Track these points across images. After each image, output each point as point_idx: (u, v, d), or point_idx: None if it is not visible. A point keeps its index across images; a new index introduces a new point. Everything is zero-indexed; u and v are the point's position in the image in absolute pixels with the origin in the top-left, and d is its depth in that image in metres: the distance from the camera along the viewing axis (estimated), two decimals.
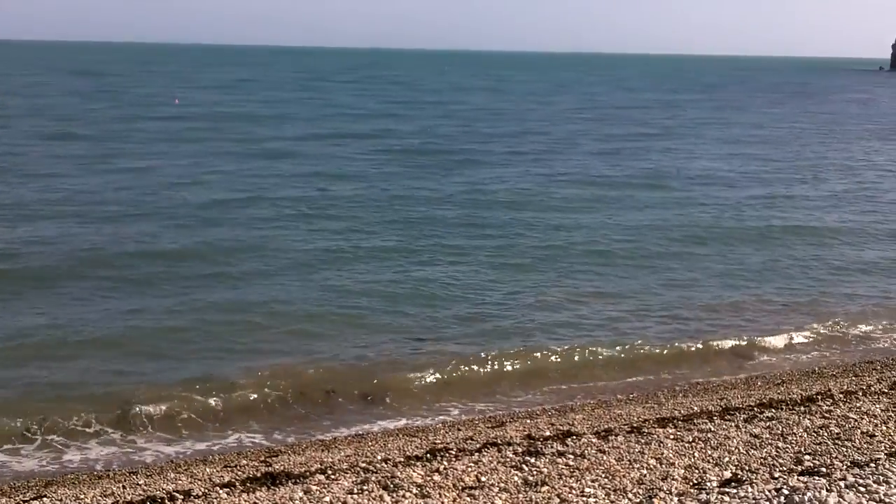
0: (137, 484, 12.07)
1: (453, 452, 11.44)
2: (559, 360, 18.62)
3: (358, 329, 19.99)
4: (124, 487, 11.88)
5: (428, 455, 11.40)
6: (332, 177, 40.37)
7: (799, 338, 20.32)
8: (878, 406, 12.57)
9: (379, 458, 11.75)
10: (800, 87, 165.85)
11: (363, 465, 11.09)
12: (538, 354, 18.78)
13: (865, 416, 11.99)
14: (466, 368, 18.00)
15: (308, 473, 10.89)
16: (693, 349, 19.43)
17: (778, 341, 20.06)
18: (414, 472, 10.37)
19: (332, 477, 10.50)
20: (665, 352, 19.26)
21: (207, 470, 12.72)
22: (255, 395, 16.47)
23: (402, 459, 11.34)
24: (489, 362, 18.29)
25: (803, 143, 61.14)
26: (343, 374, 17.63)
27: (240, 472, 12.06)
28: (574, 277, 24.26)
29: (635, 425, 12.55)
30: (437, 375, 17.61)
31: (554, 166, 45.55)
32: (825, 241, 29.45)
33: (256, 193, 35.36)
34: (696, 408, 14.06)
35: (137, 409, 15.59)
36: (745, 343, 19.84)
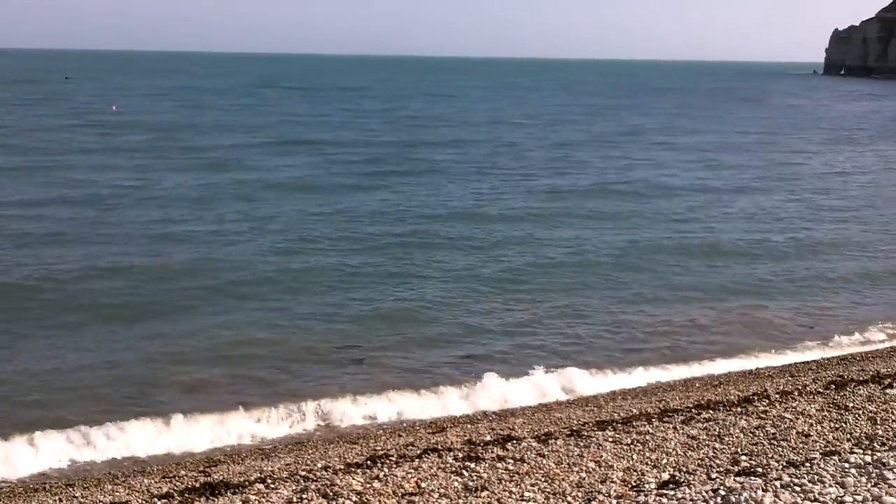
0: (74, 496, 11.90)
1: (394, 459, 11.41)
2: (500, 364, 18.66)
3: (297, 338, 19.90)
4: (60, 500, 11.71)
5: (368, 462, 11.35)
6: (274, 188, 39.98)
7: (740, 340, 20.53)
8: (813, 406, 12.73)
9: (319, 465, 11.68)
10: (738, 91, 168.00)
11: (303, 473, 11.02)
12: (481, 358, 18.85)
13: (801, 416, 12.13)
14: (408, 376, 17.98)
15: (247, 483, 10.80)
16: (637, 354, 19.57)
17: (718, 343, 20.28)
18: (354, 479, 10.32)
19: (272, 486, 10.43)
20: (612, 355, 19.40)
21: (146, 481, 12.57)
22: (195, 406, 16.30)
23: (342, 467, 11.28)
24: (431, 369, 18.30)
25: (747, 150, 61.94)
26: (284, 383, 17.54)
27: (178, 483, 11.93)
28: (516, 286, 24.35)
29: (575, 429, 12.60)
30: (379, 382, 17.57)
31: (496, 176, 45.64)
32: (761, 252, 29.82)
33: (196, 206, 34.93)
34: (635, 410, 14.15)
35: (74, 420, 15.35)
36: (686, 345, 20.03)
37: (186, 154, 50.98)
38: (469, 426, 14.60)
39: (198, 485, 11.08)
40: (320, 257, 26.76)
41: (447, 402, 16.84)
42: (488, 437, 12.64)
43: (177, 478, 12.51)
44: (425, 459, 11.20)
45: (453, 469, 10.53)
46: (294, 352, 19.13)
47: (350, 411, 16.37)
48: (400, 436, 14.43)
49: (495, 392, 17.33)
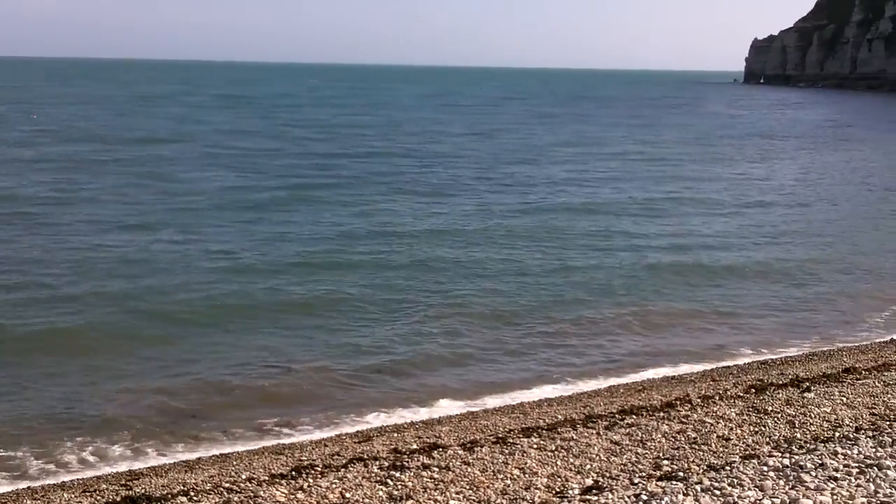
0: None
1: (319, 469, 11.35)
2: (427, 373, 18.68)
3: (221, 350, 19.72)
4: None
5: (293, 473, 11.28)
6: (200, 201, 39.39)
7: (664, 345, 20.78)
8: (733, 410, 12.94)
9: (243, 477, 11.58)
10: (662, 100, 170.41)
11: (227, 485, 10.92)
12: (407, 367, 18.86)
13: (721, 420, 12.33)
14: (335, 385, 17.92)
15: (170, 496, 10.68)
16: (562, 360, 19.71)
17: (642, 348, 20.50)
18: (277, 490, 10.26)
19: (195, 499, 10.32)
20: (535, 362, 19.51)
21: (65, 496, 12.35)
22: (117, 417, 16.06)
23: (266, 478, 11.19)
24: (357, 379, 18.26)
25: (670, 158, 62.75)
26: (209, 393, 17.36)
27: (99, 497, 11.74)
28: (442, 295, 24.34)
29: (501, 436, 12.65)
30: (307, 392, 17.49)
31: (414, 185, 45.63)
32: (683, 257, 30.22)
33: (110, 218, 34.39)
34: (560, 416, 14.24)
35: None
36: (610, 351, 20.22)
37: (109, 166, 49.99)
38: (395, 435, 14.57)
39: (119, 499, 10.92)
40: (246, 274, 26.36)
41: (374, 411, 16.78)
42: (414, 446, 12.63)
43: (97, 492, 12.30)
44: (351, 469, 11.16)
45: (378, 478, 10.52)
46: (219, 364, 18.92)
47: (276, 422, 16.23)
48: (326, 445, 14.35)
49: (422, 400, 17.33)
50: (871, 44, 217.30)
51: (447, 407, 17.04)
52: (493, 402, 17.26)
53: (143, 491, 11.51)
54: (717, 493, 8.91)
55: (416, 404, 17.18)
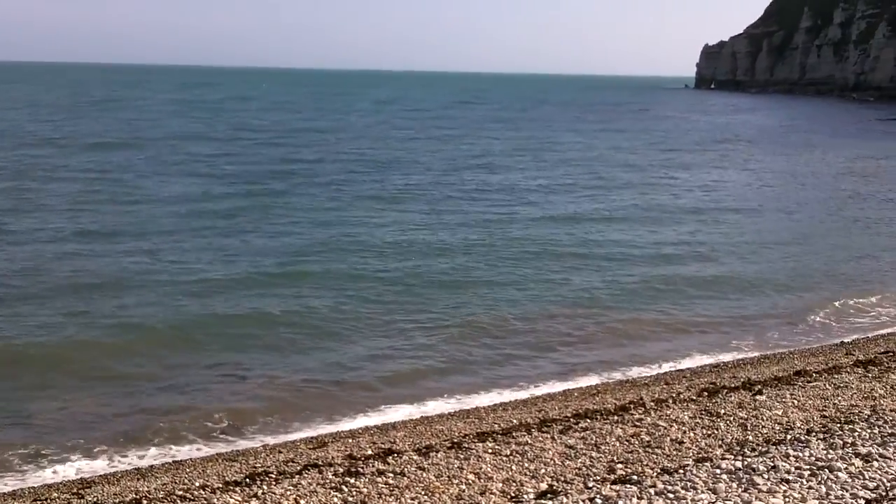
0: None
1: (273, 476, 11.28)
2: (382, 378, 18.65)
3: (176, 356, 19.57)
4: None
5: (247, 480, 11.20)
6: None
7: (615, 350, 20.88)
8: (686, 413, 13.03)
9: (197, 484, 11.48)
10: (621, 104, 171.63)
11: (180, 493, 10.82)
12: (362, 373, 18.82)
13: (674, 424, 12.41)
14: (289, 391, 17.83)
15: None
16: (516, 363, 19.74)
17: (596, 352, 20.59)
18: (231, 498, 10.18)
19: None
20: (490, 367, 19.54)
21: None
22: (69, 425, 15.87)
23: (220, 485, 11.10)
24: (312, 384, 18.19)
25: (623, 161, 63.15)
26: (161, 400, 17.22)
27: None
28: (392, 301, 24.31)
29: (456, 441, 12.64)
30: (260, 398, 17.38)
31: (367, 191, 45.59)
32: (635, 261, 30.42)
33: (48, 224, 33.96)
34: (515, 421, 14.26)
35: None
36: (565, 355, 20.28)
37: (60, 172, 49.29)
38: (350, 440, 14.51)
39: None
40: (201, 284, 26.17)
41: (328, 417, 16.71)
42: (369, 452, 12.59)
43: (48, 500, 12.15)
44: (305, 475, 11.10)
45: (333, 485, 10.47)
46: (173, 369, 18.77)
47: (230, 428, 16.11)
48: (280, 452, 14.26)
49: (376, 406, 17.28)
50: (819, 50, 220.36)
51: (402, 412, 16.99)
52: (448, 406, 17.25)
53: (94, 499, 11.39)
54: (671, 496, 8.97)
55: (371, 410, 17.12)
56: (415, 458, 11.63)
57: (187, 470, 13.56)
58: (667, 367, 19.69)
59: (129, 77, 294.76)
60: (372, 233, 33.15)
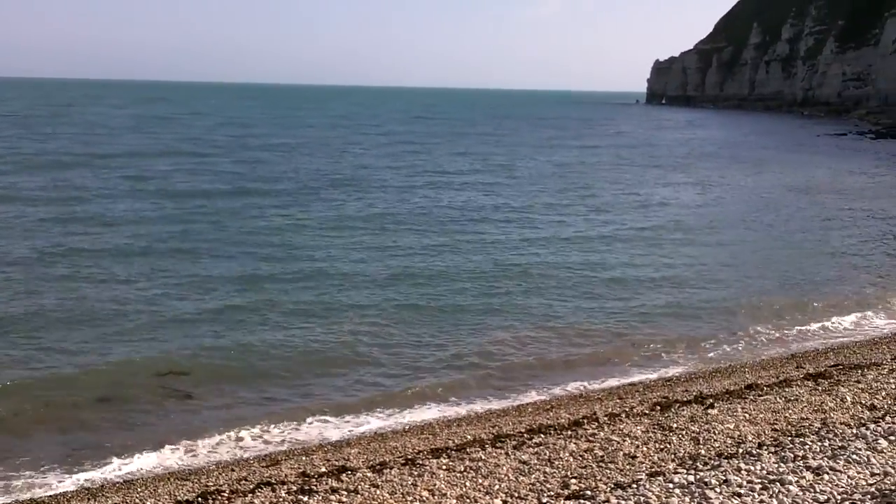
0: None
1: (226, 494, 11.19)
2: (333, 394, 18.57)
3: (123, 369, 19.36)
4: None
5: (199, 499, 11.12)
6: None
7: (569, 364, 20.92)
8: (639, 427, 13.09)
9: None
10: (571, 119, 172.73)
11: None
12: (313, 389, 18.74)
13: (627, 438, 12.46)
14: (241, 408, 17.70)
15: None
16: (469, 378, 19.73)
17: (549, 366, 20.61)
18: None
19: None
20: (443, 380, 19.51)
21: None
22: (16, 445, 15.63)
23: None
24: (264, 401, 18.08)
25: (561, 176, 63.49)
26: (110, 417, 17.01)
27: None
28: (339, 313, 24.24)
29: (410, 457, 12.61)
30: (211, 416, 17.23)
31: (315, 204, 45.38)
32: (587, 276, 30.54)
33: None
34: (469, 436, 14.25)
35: None
36: (518, 369, 20.30)
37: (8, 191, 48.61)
38: (304, 458, 14.42)
39: None
40: (149, 293, 26.01)
41: (281, 435, 16.59)
42: (323, 469, 12.53)
43: None
44: (258, 494, 11.03)
45: (286, 503, 10.39)
46: (119, 386, 18.53)
47: (182, 447, 15.94)
48: (233, 470, 14.13)
49: (329, 421, 17.19)
50: (768, 66, 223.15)
51: (356, 429, 16.92)
52: (402, 422, 17.19)
53: None
54: None
55: (323, 426, 17.02)
56: (368, 475, 11.58)
57: (138, 489, 13.40)
58: (620, 381, 19.76)
59: (76, 92, 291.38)
60: (328, 252, 33.00)
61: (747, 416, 13.26)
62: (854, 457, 10.11)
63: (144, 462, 15.30)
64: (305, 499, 10.45)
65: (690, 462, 10.85)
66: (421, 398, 18.55)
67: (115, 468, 15.03)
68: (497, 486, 10.60)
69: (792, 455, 10.58)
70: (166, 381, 18.85)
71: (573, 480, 10.57)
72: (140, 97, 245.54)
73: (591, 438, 12.64)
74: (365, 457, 13.59)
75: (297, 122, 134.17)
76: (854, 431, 11.40)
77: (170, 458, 15.54)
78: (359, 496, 10.50)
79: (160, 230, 35.23)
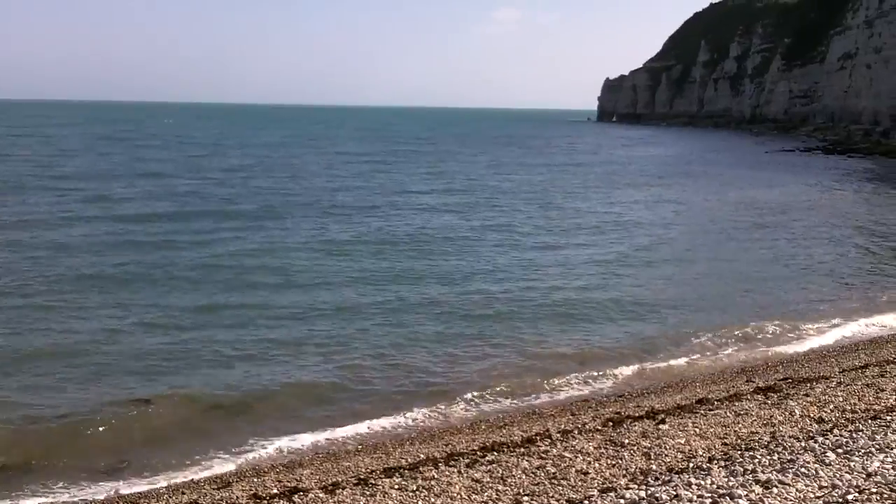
0: None
1: None
2: (284, 415, 18.46)
3: (69, 393, 19.14)
4: None
5: None
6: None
7: (523, 381, 20.93)
8: (591, 444, 13.12)
9: None
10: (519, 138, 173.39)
11: None
12: (264, 408, 18.62)
13: (580, 455, 12.48)
14: (190, 429, 17.54)
15: None
16: (423, 395, 19.69)
17: (501, 382, 20.60)
18: None
19: None
20: (394, 395, 19.47)
21: None
22: None
23: None
24: (215, 421, 17.93)
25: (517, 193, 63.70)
26: (53, 439, 16.74)
27: None
28: (284, 330, 24.17)
29: (362, 477, 12.55)
30: (161, 436, 17.06)
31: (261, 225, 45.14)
32: (535, 294, 30.63)
33: None
34: (422, 455, 14.20)
35: None
36: (472, 386, 20.27)
37: None
38: (255, 479, 14.29)
39: None
40: (93, 320, 25.72)
41: (233, 454, 16.45)
42: (275, 490, 12.44)
43: None
44: None
45: None
46: (66, 408, 18.26)
47: (129, 468, 15.75)
48: (183, 493, 13.98)
49: (281, 442, 17.07)
50: (716, 83, 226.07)
51: (307, 448, 16.82)
52: (355, 441, 17.12)
53: None
54: None
55: (275, 446, 16.91)
56: (321, 495, 11.52)
57: None
58: (573, 396, 19.83)
59: (23, 112, 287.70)
60: (286, 277, 32.85)
61: (698, 430, 13.35)
62: (803, 470, 10.19)
63: (99, 489, 15.09)
64: None
65: (642, 478, 10.89)
66: (373, 417, 18.48)
67: (58, 493, 14.81)
68: None
69: (741, 469, 10.65)
70: (123, 410, 18.59)
71: (525, 498, 10.57)
72: (90, 118, 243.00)
73: (543, 455, 12.65)
74: (317, 477, 13.50)
75: (249, 141, 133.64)
76: (803, 445, 11.49)
77: (117, 479, 15.34)
78: None
79: (110, 259, 34.47)
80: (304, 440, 17.21)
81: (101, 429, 17.34)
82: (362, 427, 17.94)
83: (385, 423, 18.21)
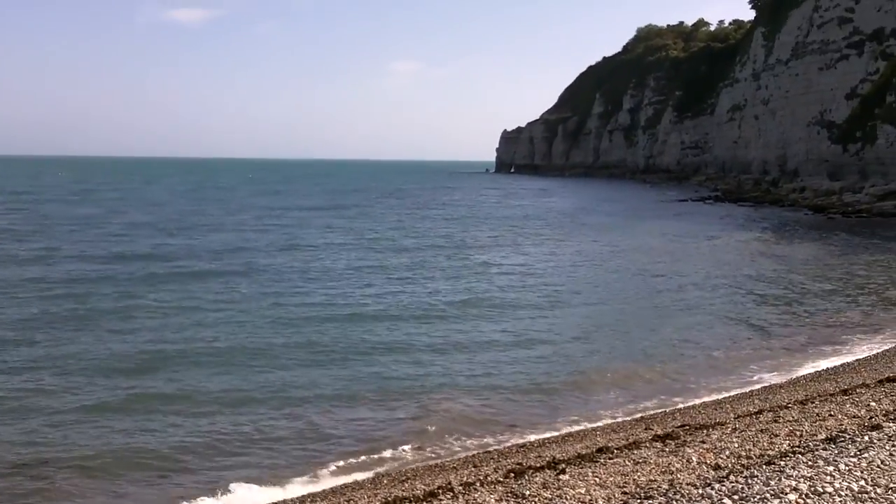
0: None
1: None
2: (219, 458, 18.10)
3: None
4: None
5: None
6: None
7: (424, 434, 20.84)
8: (493, 496, 13.10)
9: None
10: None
11: None
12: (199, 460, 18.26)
13: None
14: (129, 481, 17.11)
15: None
16: (322, 449, 19.47)
17: (402, 434, 20.49)
18: None
19: None
20: (295, 453, 19.22)
21: None
22: None
23: None
24: (152, 471, 17.55)
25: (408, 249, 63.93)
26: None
27: None
28: (223, 384, 23.81)
29: None
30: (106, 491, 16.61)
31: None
32: (426, 340, 30.66)
33: None
34: None
35: None
36: (374, 440, 20.13)
37: None
38: None
39: None
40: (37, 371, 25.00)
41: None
42: None
43: None
44: None
45: None
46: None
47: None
48: None
49: (215, 492, 16.66)
50: (611, 135, 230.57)
51: None
52: (255, 499, 16.82)
53: None
54: None
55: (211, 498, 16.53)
56: None
57: None
58: (475, 445, 19.82)
59: None
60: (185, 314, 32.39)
61: (598, 479, 13.42)
62: None
63: None
64: None
65: None
66: (271, 469, 18.21)
67: None
68: None
69: None
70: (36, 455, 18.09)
71: None
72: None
73: None
74: None
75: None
76: (700, 492, 11.62)
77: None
78: None
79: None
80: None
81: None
82: (258, 480, 17.60)
83: (285, 477, 17.88)
